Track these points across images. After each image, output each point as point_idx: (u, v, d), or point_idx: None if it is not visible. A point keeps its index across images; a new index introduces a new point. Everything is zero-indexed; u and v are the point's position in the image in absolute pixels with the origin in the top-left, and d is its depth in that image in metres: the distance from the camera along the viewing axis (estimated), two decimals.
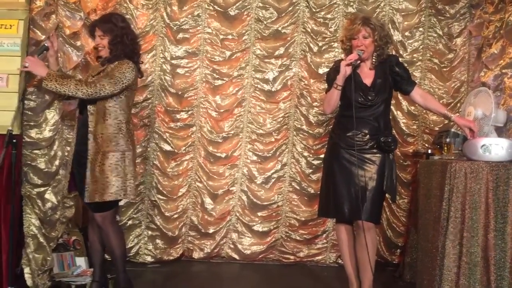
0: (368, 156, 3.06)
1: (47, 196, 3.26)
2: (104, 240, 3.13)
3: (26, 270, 3.08)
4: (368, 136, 3.06)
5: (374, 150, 3.07)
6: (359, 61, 3.03)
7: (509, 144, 2.99)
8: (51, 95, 3.28)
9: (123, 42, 3.11)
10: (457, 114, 3.34)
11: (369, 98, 3.05)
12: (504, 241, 2.85)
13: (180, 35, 4.35)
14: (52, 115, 3.34)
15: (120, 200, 3.16)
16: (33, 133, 3.27)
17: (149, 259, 4.28)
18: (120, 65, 3.02)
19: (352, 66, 3.00)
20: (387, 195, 3.12)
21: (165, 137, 4.32)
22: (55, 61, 3.16)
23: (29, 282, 3.06)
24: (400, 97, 4.24)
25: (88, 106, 3.00)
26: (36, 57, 2.99)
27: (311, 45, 4.38)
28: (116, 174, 2.98)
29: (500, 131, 3.34)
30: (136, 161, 3.60)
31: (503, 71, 3.43)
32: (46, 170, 3.27)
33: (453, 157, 3.38)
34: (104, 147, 2.97)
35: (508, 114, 3.33)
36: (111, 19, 3.15)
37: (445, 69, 4.35)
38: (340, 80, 3.00)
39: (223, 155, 4.39)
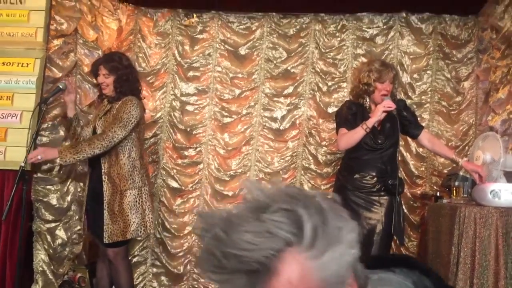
0: (375, 198, 3.06)
1: (57, 232, 3.27)
2: (113, 276, 3.13)
3: None
4: (375, 178, 3.06)
5: (382, 193, 3.07)
6: (395, 110, 3.06)
7: None
8: (66, 131, 3.34)
9: (129, 80, 3.18)
10: (465, 158, 3.33)
11: (379, 141, 3.07)
12: None
13: (191, 73, 4.43)
14: None
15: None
16: (46, 168, 3.30)
17: None
18: (124, 105, 3.06)
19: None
20: (395, 237, 3.10)
21: (172, 173, 4.34)
22: (73, 106, 3.23)
23: None
24: (409, 139, 4.25)
25: None
26: (41, 148, 3.04)
27: (320, 84, 4.44)
28: (135, 211, 3.03)
29: (509, 176, 3.32)
30: None
31: (511, 116, 3.44)
32: (57, 206, 3.28)
33: (462, 202, 3.36)
34: (122, 186, 3.02)
35: None
36: (115, 58, 3.22)
37: (453, 112, 4.37)
38: (371, 123, 3.02)
39: (230, 193, 4.39)
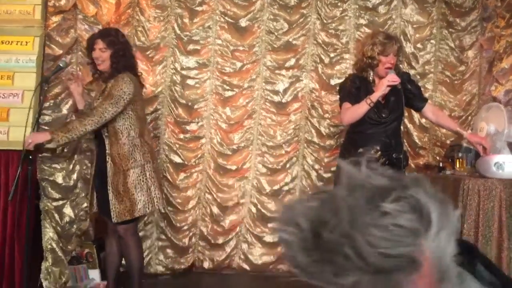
0: None
1: (65, 210, 3.30)
2: (124, 252, 3.17)
3: (45, 283, 3.11)
4: (380, 152, 3.06)
5: (386, 167, 3.07)
6: (400, 84, 3.03)
7: None
8: (68, 109, 3.32)
9: (125, 55, 3.13)
10: (469, 131, 3.33)
11: (383, 115, 3.06)
12: None
13: (191, 46, 4.37)
14: None
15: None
16: (51, 147, 3.30)
17: (160, 268, 4.29)
18: (116, 82, 3.03)
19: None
20: None
21: (175, 148, 4.34)
22: (82, 98, 3.20)
23: None
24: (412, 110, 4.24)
25: (102, 130, 3.04)
26: (32, 133, 3.01)
27: (322, 56, 4.39)
28: (140, 189, 3.04)
29: None
30: None
31: None
32: (64, 184, 3.30)
33: (465, 173, 3.37)
34: (124, 166, 3.02)
35: None
36: (112, 32, 3.17)
37: (456, 82, 4.35)
38: (375, 97, 3.00)
39: (233, 168, 4.40)
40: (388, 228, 0.68)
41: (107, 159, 3.02)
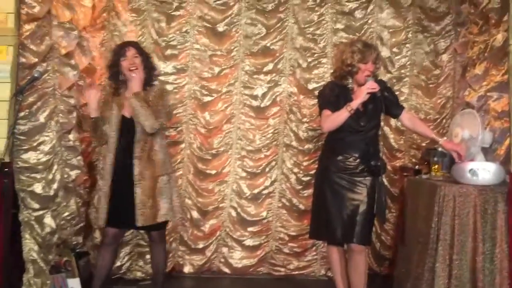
0: (358, 179, 3.12)
1: (46, 220, 3.25)
2: (156, 256, 3.30)
3: None
4: (358, 160, 3.11)
5: (365, 174, 3.12)
6: (379, 92, 3.07)
7: (496, 168, 3.08)
8: (46, 118, 3.27)
9: (151, 66, 3.23)
10: (445, 138, 3.40)
11: (361, 124, 3.10)
12: (493, 264, 2.94)
13: (168, 51, 4.34)
14: (49, 138, 3.31)
15: None
16: (28, 157, 3.24)
17: (139, 274, 4.27)
18: (161, 95, 3.16)
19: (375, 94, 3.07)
20: (377, 217, 3.18)
21: None
22: (97, 106, 3.15)
23: None
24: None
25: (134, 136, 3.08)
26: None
27: (300, 61, 4.41)
28: (165, 196, 3.13)
29: (486, 152, 3.42)
30: None
31: (488, 94, 3.51)
32: (44, 194, 3.25)
33: (441, 178, 3.45)
34: (157, 172, 3.10)
35: (494, 135, 3.41)
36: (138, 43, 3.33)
37: (431, 85, 4.43)
38: (355, 105, 3.03)
39: (213, 172, 4.40)
40: None
41: (135, 163, 3.05)
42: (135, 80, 3.08)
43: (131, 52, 3.12)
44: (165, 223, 3.25)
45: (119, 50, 3.17)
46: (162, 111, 3.11)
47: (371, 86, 3.03)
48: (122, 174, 3.09)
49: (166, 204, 3.15)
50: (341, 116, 3.06)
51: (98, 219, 3.16)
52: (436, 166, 3.59)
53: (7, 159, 2.91)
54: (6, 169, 2.84)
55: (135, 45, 3.22)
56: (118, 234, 3.23)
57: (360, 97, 3.04)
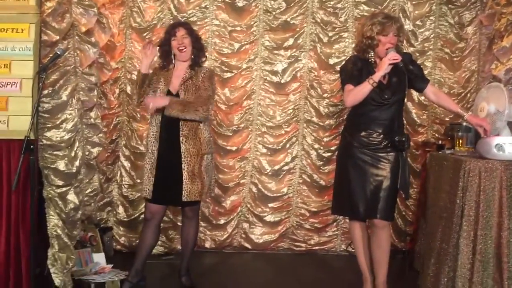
0: (382, 155, 3.09)
1: (69, 197, 3.27)
2: (189, 232, 3.43)
3: (53, 270, 3.12)
4: (382, 135, 3.07)
5: (389, 149, 3.08)
6: (402, 62, 3.00)
7: None
8: (67, 96, 3.29)
9: (202, 49, 3.35)
10: (470, 112, 3.33)
11: (386, 97, 3.04)
12: None
13: None
14: (71, 116, 3.34)
15: None
16: (51, 135, 3.27)
17: (162, 249, 4.33)
18: (211, 78, 3.31)
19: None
20: (400, 192, 3.15)
21: None
22: (150, 64, 3.25)
23: (56, 281, 3.09)
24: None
25: None
26: (150, 96, 3.22)
27: (320, 35, 4.35)
28: (208, 174, 3.29)
29: None
30: None
31: None
32: (66, 171, 3.28)
33: (465, 153, 3.40)
34: (203, 150, 3.24)
35: None
36: (190, 25, 3.43)
37: (455, 59, 4.34)
38: (377, 77, 2.98)
39: (233, 148, 4.41)
40: None
41: (182, 140, 3.18)
42: (183, 60, 3.27)
43: (181, 32, 3.24)
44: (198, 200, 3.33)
45: (171, 30, 3.30)
46: (209, 93, 3.24)
47: (393, 57, 2.96)
48: (168, 150, 3.20)
49: (208, 182, 3.29)
50: (364, 89, 3.01)
51: (143, 191, 3.29)
52: (461, 141, 3.53)
53: (32, 137, 2.93)
54: (32, 146, 2.86)
55: (186, 26, 3.32)
56: (158, 210, 3.30)
57: (382, 68, 2.98)
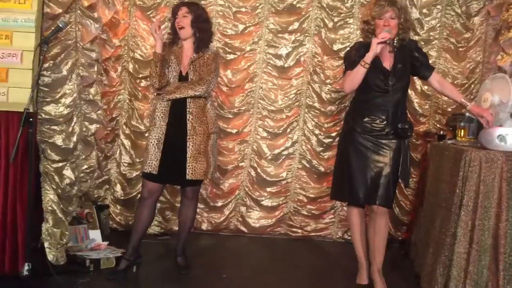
0: (384, 141, 3.07)
1: (65, 172, 3.26)
2: (187, 212, 3.41)
3: (46, 244, 3.11)
4: (385, 122, 3.05)
5: (391, 136, 3.07)
6: (390, 41, 2.96)
7: None
8: (68, 70, 3.26)
9: (205, 29, 3.26)
10: (473, 102, 3.31)
11: (390, 83, 3.01)
12: None
13: None
14: (70, 91, 3.31)
15: None
16: (50, 109, 3.25)
17: (158, 229, 4.33)
18: (215, 58, 3.28)
19: (390, 44, 2.97)
20: (400, 180, 3.14)
21: None
22: (162, 43, 3.20)
23: (50, 256, 3.08)
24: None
25: None
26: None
27: (326, 20, 4.31)
28: (213, 154, 3.28)
29: None
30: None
31: None
32: (63, 146, 3.26)
33: (467, 143, 3.38)
34: (209, 129, 3.24)
35: None
36: (200, 5, 3.37)
37: (461, 49, 4.30)
38: (369, 58, 2.94)
39: (234, 131, 4.39)
40: None
41: (188, 118, 3.17)
42: (183, 38, 3.23)
43: (182, 11, 3.22)
44: (200, 180, 3.31)
45: (175, 8, 3.30)
46: (211, 73, 3.21)
47: (382, 35, 2.92)
48: (175, 126, 3.18)
49: (213, 162, 3.29)
50: (358, 73, 2.99)
51: (146, 165, 3.19)
52: (462, 132, 3.51)
53: (31, 110, 2.90)
54: (31, 119, 2.83)
55: (188, 4, 3.26)
56: (156, 189, 3.26)
57: (372, 48, 2.94)
